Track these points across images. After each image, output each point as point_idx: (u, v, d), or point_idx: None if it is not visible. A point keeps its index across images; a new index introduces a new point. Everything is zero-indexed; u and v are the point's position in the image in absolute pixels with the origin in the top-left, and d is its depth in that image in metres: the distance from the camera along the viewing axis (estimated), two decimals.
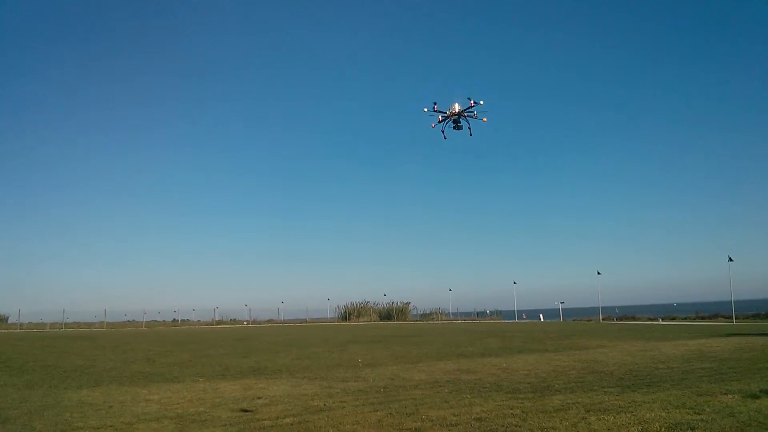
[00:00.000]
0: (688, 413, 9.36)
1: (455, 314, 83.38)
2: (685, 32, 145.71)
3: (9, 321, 73.05)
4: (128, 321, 79.36)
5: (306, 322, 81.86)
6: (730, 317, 52.53)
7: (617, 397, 11.21)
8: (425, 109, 18.44)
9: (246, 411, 10.83)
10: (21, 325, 69.58)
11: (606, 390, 12.41)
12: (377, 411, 10.48)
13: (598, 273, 67.57)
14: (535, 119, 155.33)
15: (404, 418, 9.77)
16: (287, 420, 9.87)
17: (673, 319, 61.35)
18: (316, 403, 11.66)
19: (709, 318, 58.67)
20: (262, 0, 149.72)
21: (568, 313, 75.70)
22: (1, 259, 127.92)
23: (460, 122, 18.33)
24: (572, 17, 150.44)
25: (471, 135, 18.66)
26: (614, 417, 9.24)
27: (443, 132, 18.68)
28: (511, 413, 9.82)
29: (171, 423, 9.88)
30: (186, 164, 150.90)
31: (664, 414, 9.35)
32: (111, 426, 9.73)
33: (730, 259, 51.47)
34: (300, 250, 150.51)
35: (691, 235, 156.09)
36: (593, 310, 69.34)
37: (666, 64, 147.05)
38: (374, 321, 79.47)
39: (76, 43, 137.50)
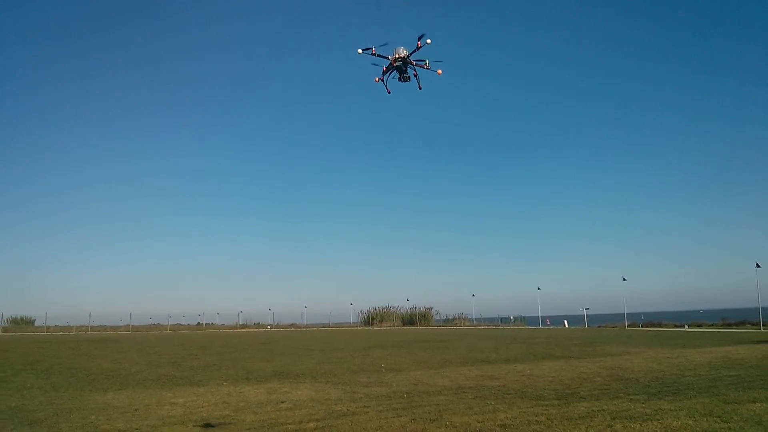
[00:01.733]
0: (716, 421, 9.23)
1: (478, 320, 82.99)
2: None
3: (36, 324, 73.94)
4: (154, 324, 80.00)
5: (329, 326, 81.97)
6: (758, 324, 51.59)
7: (643, 405, 11.07)
8: (359, 50, 14.86)
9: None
10: (48, 328, 70.36)
11: (632, 397, 12.27)
12: (401, 416, 10.46)
13: (624, 279, 66.94)
14: (556, 123, 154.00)
15: (428, 423, 9.74)
16: (311, 425, 9.89)
17: (700, 326, 60.44)
18: (339, 408, 11.67)
19: (736, 325, 57.73)
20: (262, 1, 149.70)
21: (593, 319, 74.87)
22: (29, 263, 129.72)
23: (407, 72, 15.13)
24: (573, 19, 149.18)
25: (420, 89, 15.44)
26: (640, 425, 9.13)
27: (386, 84, 15.45)
28: (536, 420, 9.75)
29: (195, 427, 9.94)
30: (209, 167, 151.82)
31: (691, 422, 9.23)
32: (137, 429, 9.82)
33: (758, 266, 50.71)
34: (323, 255, 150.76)
35: (717, 240, 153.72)
36: (618, 317, 68.51)
37: (689, 66, 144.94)
38: (397, 326, 79.30)
39: (75, 42, 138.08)
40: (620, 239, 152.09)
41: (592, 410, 10.57)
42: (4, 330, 65.17)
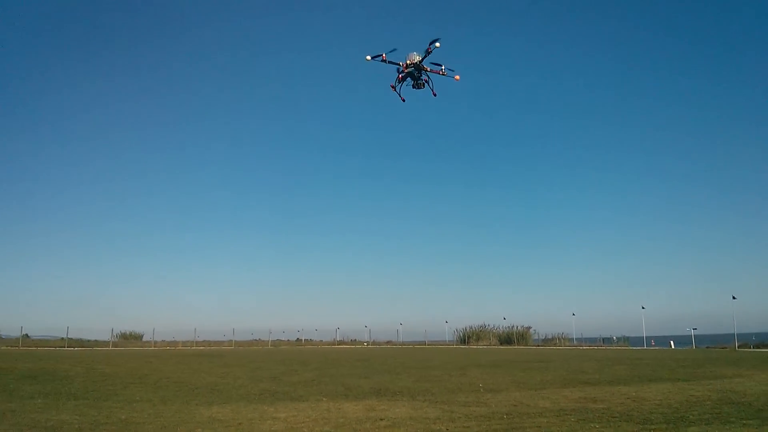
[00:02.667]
0: None
1: (579, 340, 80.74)
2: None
3: (144, 339, 76.95)
4: (255, 340, 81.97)
5: (425, 344, 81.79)
6: None
7: (756, 430, 10.46)
8: (368, 57, 14.15)
9: None
10: (155, 342, 73.09)
11: (744, 422, 11.67)
12: None
13: (733, 297, 63.73)
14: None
15: None
16: None
17: None
18: (437, 427, 11.57)
19: None
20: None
21: (701, 340, 71.48)
22: (139, 282, 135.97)
23: (421, 78, 14.53)
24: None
25: (435, 95, 14.73)
26: None
27: (399, 93, 14.83)
28: None
29: None
30: (309, 185, 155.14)
31: None
32: None
33: None
34: (418, 272, 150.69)
35: None
36: (728, 337, 65.30)
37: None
38: (493, 345, 78.23)
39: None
40: (730, 255, 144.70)
41: None
42: (114, 345, 68.23)
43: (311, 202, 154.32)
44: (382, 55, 13.99)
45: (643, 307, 74.74)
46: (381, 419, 12.59)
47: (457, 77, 14.40)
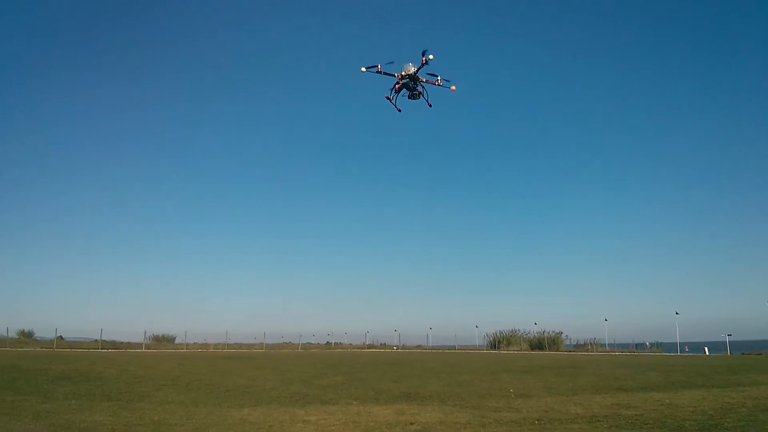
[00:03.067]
0: None
1: (611, 345, 79.79)
2: None
3: (176, 341, 77.65)
4: (285, 343, 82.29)
5: (454, 348, 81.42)
6: None
7: None
8: (363, 69, 14.33)
9: None
10: (187, 345, 73.71)
11: None
12: None
13: None
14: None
15: None
16: None
17: None
18: None
19: None
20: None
21: (736, 346, 70.22)
22: (171, 285, 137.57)
23: (416, 89, 14.56)
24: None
25: (430, 106, 14.82)
26: None
27: (395, 103, 14.86)
28: None
29: None
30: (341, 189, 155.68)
31: None
32: None
33: None
34: (448, 277, 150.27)
35: None
36: (764, 344, 64.19)
37: None
38: (524, 350, 77.53)
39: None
40: (765, 260, 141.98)
41: None
42: (147, 347, 69.00)
43: (344, 207, 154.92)
44: (377, 66, 14.14)
45: (677, 313, 73.62)
46: (411, 423, 12.54)
47: (453, 87, 14.57)
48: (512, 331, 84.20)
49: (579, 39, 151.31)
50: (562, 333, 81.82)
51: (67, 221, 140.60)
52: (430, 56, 13.82)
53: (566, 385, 22.30)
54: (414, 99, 14.76)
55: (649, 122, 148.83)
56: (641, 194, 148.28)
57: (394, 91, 14.64)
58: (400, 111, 14.97)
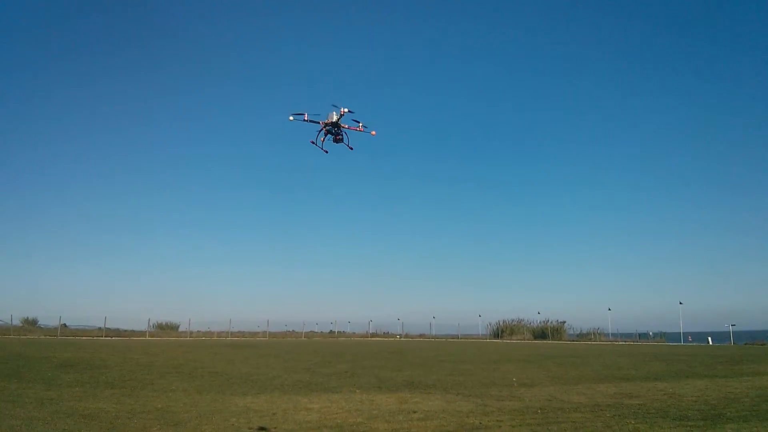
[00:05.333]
0: None
1: (615, 335, 79.69)
2: None
3: (180, 329, 77.72)
4: (289, 331, 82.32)
5: (457, 338, 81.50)
6: None
7: None
8: (291, 117, 16.07)
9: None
10: (191, 333, 73.74)
11: None
12: None
13: None
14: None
15: None
16: None
17: None
18: (471, 421, 11.50)
19: None
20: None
21: (740, 336, 70.14)
22: (175, 273, 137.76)
23: (340, 134, 16.47)
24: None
25: (351, 149, 16.72)
26: None
27: (321, 146, 16.72)
28: None
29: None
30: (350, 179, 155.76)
31: None
32: None
33: None
34: (451, 266, 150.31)
35: None
36: (767, 334, 64.09)
37: None
38: (527, 339, 77.57)
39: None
40: None
41: None
42: (151, 335, 69.14)
43: (346, 196, 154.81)
44: (304, 114, 15.86)
45: (680, 303, 73.52)
46: (414, 411, 12.57)
47: (373, 132, 16.47)
48: (515, 320, 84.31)
49: (579, 36, 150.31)
50: (565, 322, 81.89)
51: (71, 209, 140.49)
52: (345, 109, 15.98)
53: (569, 374, 22.33)
54: (338, 143, 16.62)
55: (651, 115, 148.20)
56: (645, 185, 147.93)
57: (322, 134, 16.47)
58: (326, 152, 16.87)
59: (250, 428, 10.85)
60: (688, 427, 10.75)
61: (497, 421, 11.50)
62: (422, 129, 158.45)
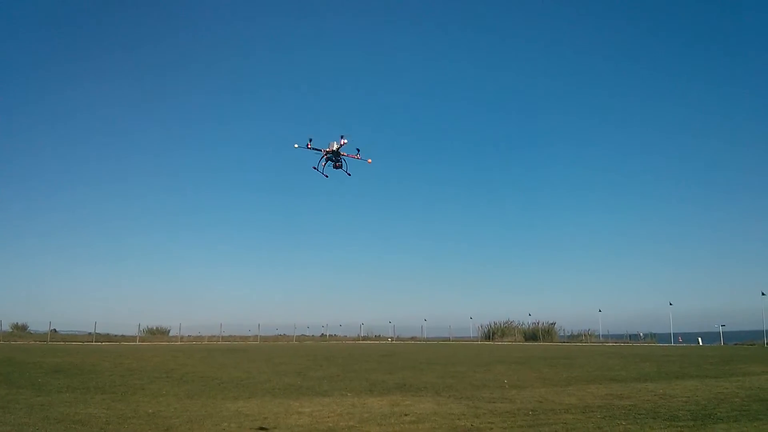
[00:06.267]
0: None
1: (605, 336, 79.94)
2: None
3: (171, 334, 77.37)
4: (280, 335, 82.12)
5: (449, 340, 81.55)
6: None
7: None
8: (295, 145, 17.58)
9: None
10: (181, 337, 73.46)
11: None
12: None
13: (763, 294, 62.76)
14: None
15: None
16: None
17: None
18: (462, 423, 11.54)
19: None
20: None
21: (729, 336, 70.45)
22: (165, 278, 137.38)
23: (339, 161, 17.67)
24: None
25: (349, 175, 17.96)
26: None
27: (322, 171, 17.83)
28: None
29: None
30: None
31: None
32: None
33: None
34: (443, 268, 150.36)
35: None
36: (757, 334, 64.47)
37: None
38: (518, 341, 77.63)
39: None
40: (759, 251, 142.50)
41: None
42: (141, 339, 68.85)
43: (334, 199, 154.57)
44: (308, 143, 17.18)
45: (670, 304, 73.88)
46: (405, 414, 12.59)
47: (369, 161, 17.67)
48: (507, 322, 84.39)
49: (579, 37, 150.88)
50: (555, 324, 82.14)
51: (61, 214, 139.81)
52: (345, 140, 17.21)
53: (560, 375, 22.40)
54: (337, 168, 17.72)
55: (641, 116, 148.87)
56: (635, 187, 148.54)
57: (323, 160, 17.52)
58: (327, 177, 17.92)
59: (249, 429, 10.91)
60: (679, 428, 10.82)
61: (489, 423, 11.54)
62: (414, 132, 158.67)
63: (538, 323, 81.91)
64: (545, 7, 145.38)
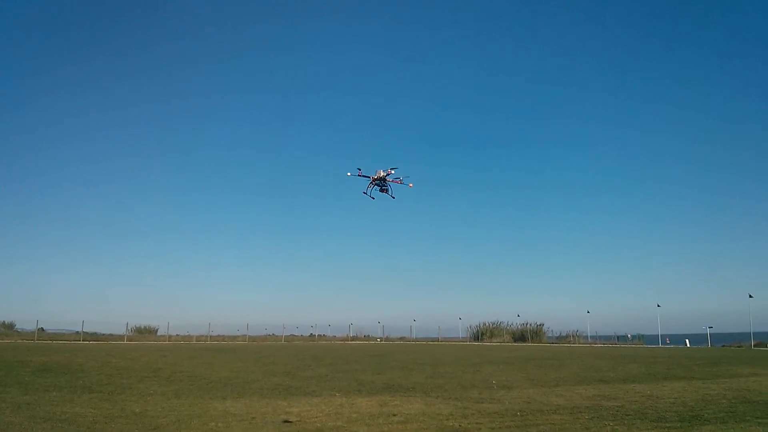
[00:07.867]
0: None
1: (594, 337, 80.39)
2: None
3: (159, 333, 77.11)
4: (269, 335, 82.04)
5: (438, 340, 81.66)
6: None
7: None
8: (348, 173, 20.66)
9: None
10: (170, 337, 73.19)
11: (760, 421, 11.71)
12: None
13: (750, 296, 63.20)
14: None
15: None
16: None
17: None
18: (451, 424, 11.55)
19: None
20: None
21: (717, 338, 70.94)
22: (153, 277, 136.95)
23: (385, 186, 20.76)
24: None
25: (393, 198, 21.05)
26: None
27: (370, 195, 21.11)
28: None
29: None
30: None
31: None
32: None
33: None
34: (432, 269, 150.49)
35: None
36: (744, 336, 64.93)
37: None
38: (507, 342, 77.90)
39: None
40: (746, 253, 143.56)
41: None
42: (129, 339, 68.59)
43: (326, 200, 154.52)
44: (359, 171, 20.50)
45: (658, 305, 74.27)
46: (394, 415, 12.59)
47: (411, 185, 21.09)
48: (495, 323, 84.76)
49: (577, 39, 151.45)
50: (544, 325, 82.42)
51: (49, 213, 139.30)
52: (392, 170, 20.56)
53: (548, 376, 22.47)
54: (383, 192, 21.15)
55: (632, 118, 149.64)
56: (624, 189, 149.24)
57: (370, 185, 20.82)
58: (373, 199, 21.17)
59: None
60: (666, 429, 10.87)
61: (477, 423, 11.55)
62: (409, 133, 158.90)
63: (526, 324, 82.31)
64: (545, 9, 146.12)
